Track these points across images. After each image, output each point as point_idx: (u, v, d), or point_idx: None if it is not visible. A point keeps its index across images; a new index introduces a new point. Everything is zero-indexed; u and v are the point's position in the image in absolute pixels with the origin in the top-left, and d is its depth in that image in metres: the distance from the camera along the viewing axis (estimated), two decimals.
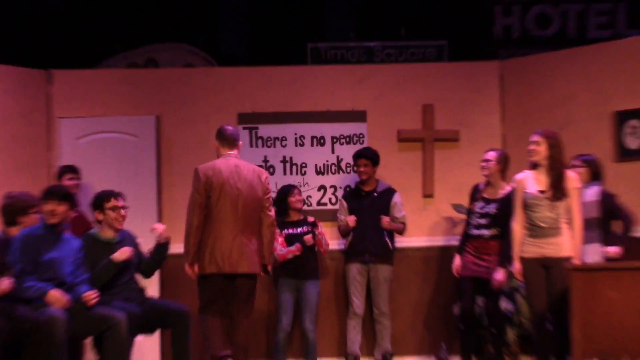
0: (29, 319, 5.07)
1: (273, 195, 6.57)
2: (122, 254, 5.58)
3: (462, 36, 10.00)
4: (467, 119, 7.46)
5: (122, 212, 5.61)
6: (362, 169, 6.60)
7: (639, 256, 5.86)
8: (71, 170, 6.81)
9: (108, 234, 5.51)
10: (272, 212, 5.92)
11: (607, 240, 5.94)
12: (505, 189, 6.20)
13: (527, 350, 6.77)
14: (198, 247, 5.34)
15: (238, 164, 5.77)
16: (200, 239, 5.34)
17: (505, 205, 5.96)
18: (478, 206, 6.29)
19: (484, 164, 6.26)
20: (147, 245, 6.21)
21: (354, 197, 6.77)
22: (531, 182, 5.50)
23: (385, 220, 6.76)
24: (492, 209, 6.21)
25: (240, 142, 6.25)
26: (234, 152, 5.94)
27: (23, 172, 6.99)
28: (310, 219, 7.00)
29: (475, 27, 10.09)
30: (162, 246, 5.74)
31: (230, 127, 6.25)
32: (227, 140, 6.01)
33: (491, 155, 6.23)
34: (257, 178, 5.86)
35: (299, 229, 6.71)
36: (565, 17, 9.41)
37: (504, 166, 6.31)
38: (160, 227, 5.86)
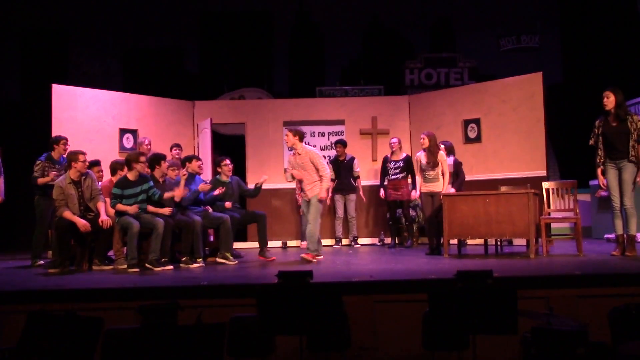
0: (183, 219, 7.06)
1: None
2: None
3: (390, 84, 13.58)
4: (393, 123, 10.35)
5: (227, 167, 7.69)
6: (339, 149, 9.65)
7: (467, 190, 7.80)
8: (177, 145, 8.89)
9: (224, 178, 7.74)
10: None
11: (453, 185, 8.03)
12: (402, 155, 9.09)
13: (423, 235, 9.40)
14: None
15: None
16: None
17: (406, 162, 8.95)
18: (392, 164, 9.10)
19: (392, 144, 9.20)
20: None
21: (335, 162, 9.67)
22: (423, 157, 7.73)
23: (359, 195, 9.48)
24: (400, 164, 9.03)
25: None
26: None
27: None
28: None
29: (396, 79, 13.46)
30: (259, 186, 7.77)
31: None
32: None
33: (395, 140, 9.23)
34: None
35: None
36: (439, 74, 13.08)
37: (401, 146, 9.30)
38: (265, 178, 7.72)
